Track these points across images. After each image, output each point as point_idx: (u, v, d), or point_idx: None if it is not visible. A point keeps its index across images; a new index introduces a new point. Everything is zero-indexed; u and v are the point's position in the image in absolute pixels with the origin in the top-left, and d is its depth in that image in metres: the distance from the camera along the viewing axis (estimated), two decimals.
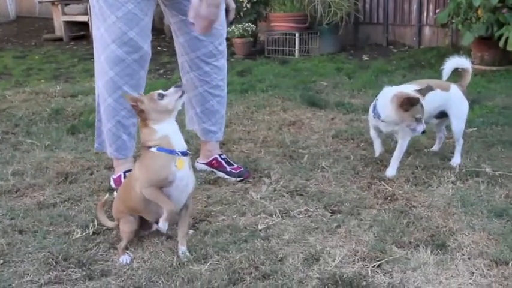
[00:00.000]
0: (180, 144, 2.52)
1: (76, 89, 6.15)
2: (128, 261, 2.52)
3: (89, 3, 3.18)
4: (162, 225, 2.48)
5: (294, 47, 8.42)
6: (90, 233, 2.76)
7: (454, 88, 3.56)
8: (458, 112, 3.58)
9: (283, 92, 5.69)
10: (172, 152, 2.48)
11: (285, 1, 8.46)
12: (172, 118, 2.54)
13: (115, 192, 3.11)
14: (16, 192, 3.29)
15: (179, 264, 2.46)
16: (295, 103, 5.29)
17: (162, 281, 2.34)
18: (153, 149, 2.49)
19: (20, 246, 2.65)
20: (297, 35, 8.36)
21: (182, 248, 2.56)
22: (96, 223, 2.83)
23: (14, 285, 2.35)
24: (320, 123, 4.62)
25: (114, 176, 3.29)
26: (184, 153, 2.52)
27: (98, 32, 3.12)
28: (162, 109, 2.49)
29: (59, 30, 11.25)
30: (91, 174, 3.54)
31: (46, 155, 3.91)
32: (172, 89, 2.53)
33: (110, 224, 2.79)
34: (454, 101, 3.56)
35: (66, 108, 5.28)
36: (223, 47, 3.44)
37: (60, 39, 11.01)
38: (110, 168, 3.51)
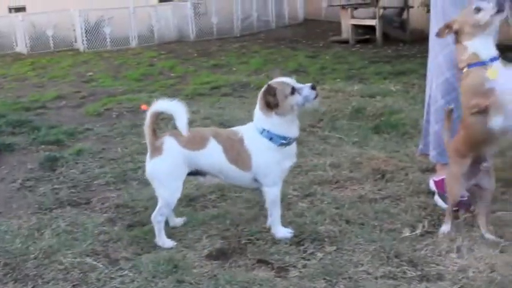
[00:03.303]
0: (488, 53, 2.53)
1: (372, 90, 6.20)
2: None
3: (431, 1, 3.14)
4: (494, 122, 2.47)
5: None
6: (418, 234, 2.72)
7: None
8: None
9: None
10: (481, 63, 2.52)
11: None
12: (486, 36, 2.55)
13: (436, 196, 3.06)
14: (336, 183, 3.40)
15: None
16: None
17: None
18: (465, 69, 2.57)
19: (349, 235, 2.71)
20: None
21: None
22: (425, 224, 2.78)
23: (349, 272, 2.40)
24: None
25: (436, 179, 3.20)
26: (494, 59, 2.52)
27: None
28: (475, 23, 2.54)
29: (346, 33, 11.56)
30: (406, 174, 3.50)
31: (357, 151, 3.99)
32: (487, 4, 2.56)
33: None
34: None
35: (366, 107, 5.33)
36: None
37: (346, 42, 11.31)
38: (426, 171, 3.45)
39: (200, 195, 3.27)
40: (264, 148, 2.66)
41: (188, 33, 12.78)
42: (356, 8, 11.66)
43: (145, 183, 3.50)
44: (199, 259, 2.57)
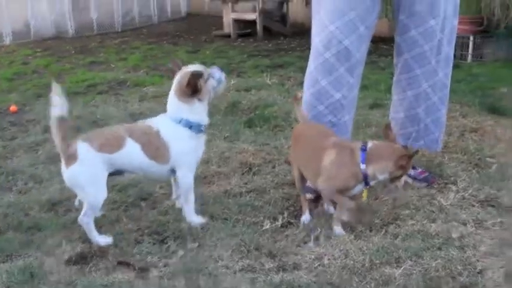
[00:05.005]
0: None
1: (249, 83, 6.27)
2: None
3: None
4: None
5: (467, 51, 8.01)
6: (279, 226, 2.79)
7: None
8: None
9: (460, 98, 5.41)
10: None
11: (460, 2, 8.06)
12: None
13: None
14: (203, 178, 3.41)
15: (371, 265, 2.40)
16: (475, 109, 5.00)
17: (355, 281, 2.30)
18: None
19: (212, 231, 2.73)
20: (471, 38, 7.95)
21: None
22: (285, 216, 2.85)
23: (209, 267, 2.42)
24: (505, 132, 4.33)
25: None
26: None
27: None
28: None
29: (228, 27, 11.61)
30: (273, 167, 3.58)
31: (227, 146, 4.02)
32: None
33: None
34: None
35: (241, 101, 5.38)
36: None
37: (228, 36, 11.36)
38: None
39: (64, 199, 3.17)
40: (184, 137, 2.71)
41: (67, 28, 12.33)
42: (237, 2, 11.72)
43: (6, 190, 3.38)
44: (58, 265, 2.50)
